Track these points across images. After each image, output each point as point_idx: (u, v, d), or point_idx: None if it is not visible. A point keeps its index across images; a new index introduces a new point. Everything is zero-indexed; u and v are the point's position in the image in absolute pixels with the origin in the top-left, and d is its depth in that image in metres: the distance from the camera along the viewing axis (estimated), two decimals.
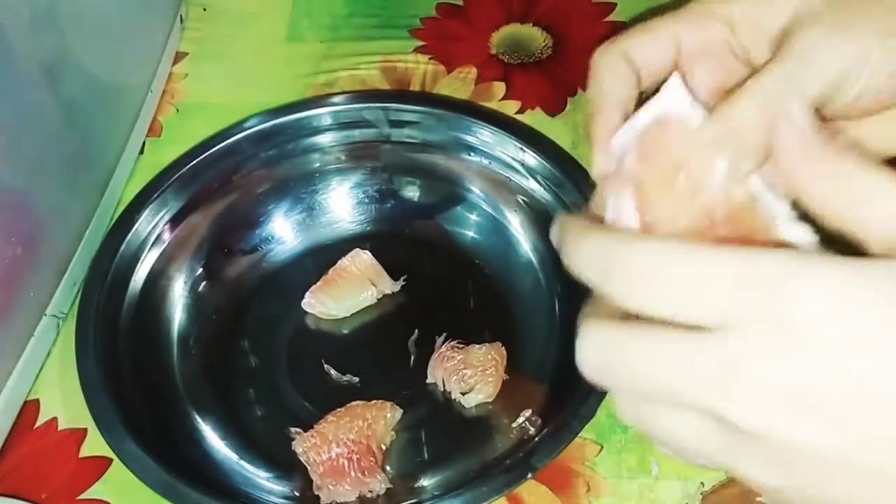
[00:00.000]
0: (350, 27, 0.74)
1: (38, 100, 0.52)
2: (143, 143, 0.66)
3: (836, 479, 0.24)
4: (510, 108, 0.67)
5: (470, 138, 0.61)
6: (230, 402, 0.55)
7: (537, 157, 0.59)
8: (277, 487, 0.52)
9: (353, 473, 0.50)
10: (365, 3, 0.76)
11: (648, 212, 0.30)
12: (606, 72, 0.34)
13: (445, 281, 0.60)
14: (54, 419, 0.54)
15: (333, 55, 0.72)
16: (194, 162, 0.60)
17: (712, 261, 0.24)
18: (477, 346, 0.55)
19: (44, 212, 0.54)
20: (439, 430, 0.54)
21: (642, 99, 0.34)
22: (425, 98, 0.67)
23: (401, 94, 0.68)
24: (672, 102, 0.31)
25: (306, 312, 0.58)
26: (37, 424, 0.54)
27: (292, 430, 0.52)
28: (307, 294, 0.58)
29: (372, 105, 0.62)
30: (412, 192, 0.64)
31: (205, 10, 0.76)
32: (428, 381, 0.55)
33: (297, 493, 0.51)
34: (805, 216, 0.29)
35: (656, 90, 0.33)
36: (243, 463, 0.53)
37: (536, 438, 0.50)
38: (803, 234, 0.28)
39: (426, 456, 0.53)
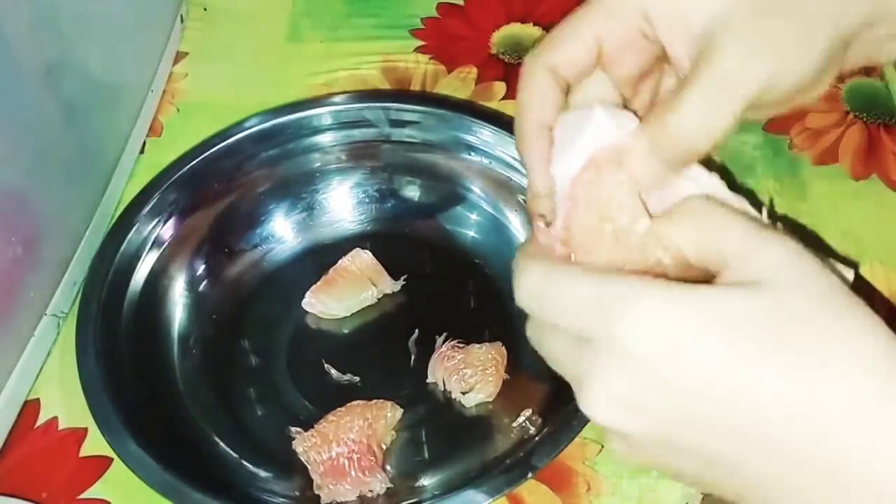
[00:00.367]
0: (350, 27, 0.74)
1: (38, 100, 0.52)
2: (143, 143, 0.66)
3: (668, 459, 0.31)
4: (510, 107, 0.66)
5: (470, 138, 0.61)
6: (230, 402, 0.55)
7: None
8: (277, 487, 0.52)
9: (353, 473, 0.50)
10: (365, 3, 0.76)
11: (574, 245, 0.35)
12: (531, 87, 0.37)
13: (445, 281, 0.60)
14: (54, 419, 0.54)
15: (333, 55, 0.72)
16: (194, 162, 0.60)
17: (581, 284, 0.30)
18: (477, 345, 0.55)
19: (44, 212, 0.54)
20: (439, 429, 0.54)
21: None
22: (426, 98, 0.67)
23: (401, 93, 0.68)
24: (600, 135, 0.34)
25: (306, 312, 0.58)
26: (37, 424, 0.54)
27: (292, 429, 0.52)
28: (307, 294, 0.58)
29: (372, 105, 0.62)
30: (412, 192, 0.64)
31: (205, 9, 0.76)
32: (428, 380, 0.55)
33: (297, 493, 0.51)
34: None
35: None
36: (243, 463, 0.53)
37: (537, 438, 0.50)
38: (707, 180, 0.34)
39: (426, 455, 0.53)
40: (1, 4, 0.47)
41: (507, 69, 0.70)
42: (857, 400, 0.27)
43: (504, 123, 0.61)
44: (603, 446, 0.51)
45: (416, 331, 0.57)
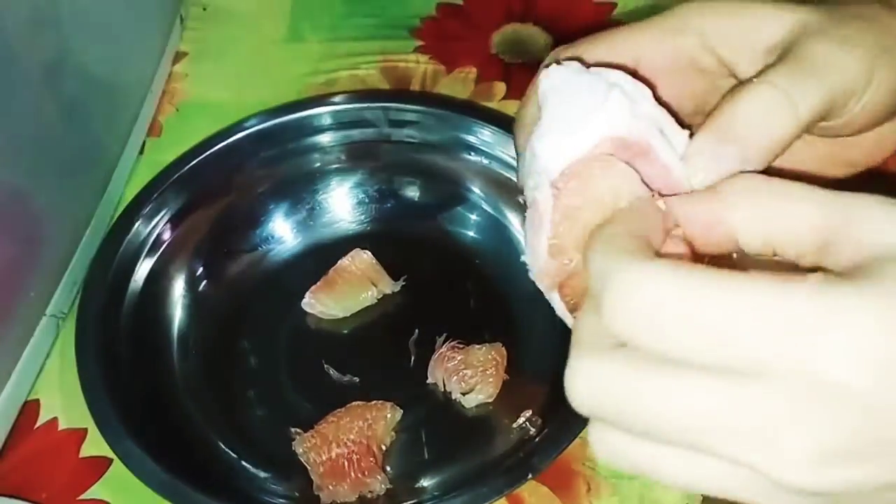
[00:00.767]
0: (350, 27, 0.74)
1: (38, 100, 0.52)
2: (143, 143, 0.66)
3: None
4: (510, 107, 0.67)
5: (470, 138, 0.61)
6: (230, 402, 0.55)
7: None
8: (277, 488, 0.52)
9: (353, 474, 0.50)
10: (365, 3, 0.76)
11: (561, 231, 0.31)
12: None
13: (445, 281, 0.60)
14: (54, 419, 0.54)
15: (333, 55, 0.72)
16: (194, 162, 0.60)
17: (737, 296, 0.23)
18: (477, 346, 0.55)
19: (44, 212, 0.54)
20: (439, 430, 0.54)
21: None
22: (425, 98, 0.67)
23: (401, 93, 0.68)
24: (614, 122, 0.30)
25: (306, 312, 0.58)
26: (37, 424, 0.54)
27: (292, 430, 0.52)
28: (307, 294, 0.58)
29: (372, 105, 0.62)
30: (412, 192, 0.64)
31: (205, 9, 0.75)
32: (428, 381, 0.55)
33: (296, 494, 0.51)
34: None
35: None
36: (243, 463, 0.53)
37: (537, 438, 0.50)
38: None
39: (426, 456, 0.53)
40: (1, 4, 0.47)
41: (507, 69, 0.70)
42: None
43: (504, 123, 0.61)
44: None
45: (416, 331, 0.57)
